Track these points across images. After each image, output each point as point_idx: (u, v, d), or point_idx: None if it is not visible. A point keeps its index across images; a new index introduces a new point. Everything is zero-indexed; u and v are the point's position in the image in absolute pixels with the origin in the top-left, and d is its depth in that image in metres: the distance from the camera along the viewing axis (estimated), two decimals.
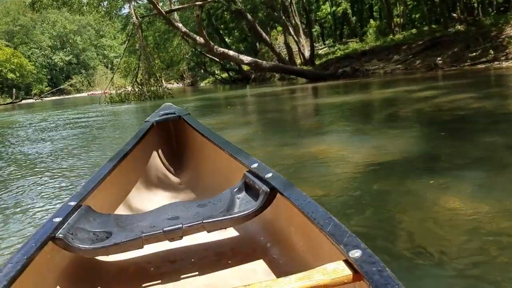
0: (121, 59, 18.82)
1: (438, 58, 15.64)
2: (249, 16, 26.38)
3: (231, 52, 18.39)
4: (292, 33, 23.67)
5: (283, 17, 23.36)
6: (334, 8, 34.46)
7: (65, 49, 72.57)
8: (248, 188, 1.56)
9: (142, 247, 1.32)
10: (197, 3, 16.37)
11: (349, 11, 32.84)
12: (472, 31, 16.90)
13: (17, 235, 2.34)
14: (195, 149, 2.48)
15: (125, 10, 26.74)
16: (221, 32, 32.72)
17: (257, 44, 32.93)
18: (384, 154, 3.38)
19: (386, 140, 4.03)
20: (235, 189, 1.58)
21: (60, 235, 1.25)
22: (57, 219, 1.30)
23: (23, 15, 67.27)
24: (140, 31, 16.92)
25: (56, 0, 18.27)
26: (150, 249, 1.51)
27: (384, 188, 2.56)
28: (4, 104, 42.54)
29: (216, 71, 40.85)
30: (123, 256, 1.49)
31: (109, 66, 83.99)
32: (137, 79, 17.70)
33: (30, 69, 59.05)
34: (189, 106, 11.67)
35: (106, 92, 18.80)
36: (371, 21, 28.58)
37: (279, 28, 34.83)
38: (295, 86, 16.70)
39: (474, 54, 15.10)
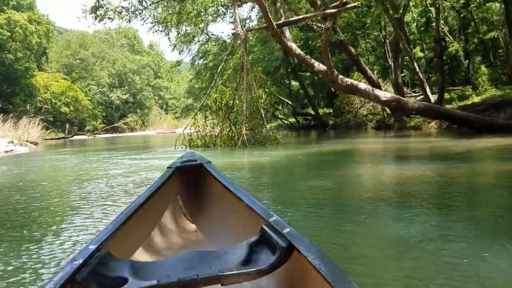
0: (211, 87, 13.47)
1: None
2: (351, 49, 21.44)
3: (361, 85, 12.89)
4: (417, 68, 18.13)
5: (408, 49, 17.91)
6: (427, 52, 29.91)
7: (123, 88, 71.22)
8: (265, 241, 1.43)
9: None
10: (329, 11, 11.22)
11: (461, 53, 26.89)
12: None
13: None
14: (213, 198, 2.34)
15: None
16: None
17: None
18: None
19: None
20: (252, 242, 1.45)
21: (79, 278, 1.17)
22: (77, 262, 1.22)
23: (84, 49, 66.59)
24: (243, 47, 11.77)
25: (126, 9, 13.94)
26: None
27: None
28: (56, 138, 39.34)
29: (279, 115, 36.90)
30: None
31: (164, 107, 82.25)
32: (229, 117, 12.49)
33: (86, 104, 56.73)
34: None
35: (173, 132, 13.81)
36: (483, 67, 23.75)
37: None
38: (445, 141, 10.90)
39: None
